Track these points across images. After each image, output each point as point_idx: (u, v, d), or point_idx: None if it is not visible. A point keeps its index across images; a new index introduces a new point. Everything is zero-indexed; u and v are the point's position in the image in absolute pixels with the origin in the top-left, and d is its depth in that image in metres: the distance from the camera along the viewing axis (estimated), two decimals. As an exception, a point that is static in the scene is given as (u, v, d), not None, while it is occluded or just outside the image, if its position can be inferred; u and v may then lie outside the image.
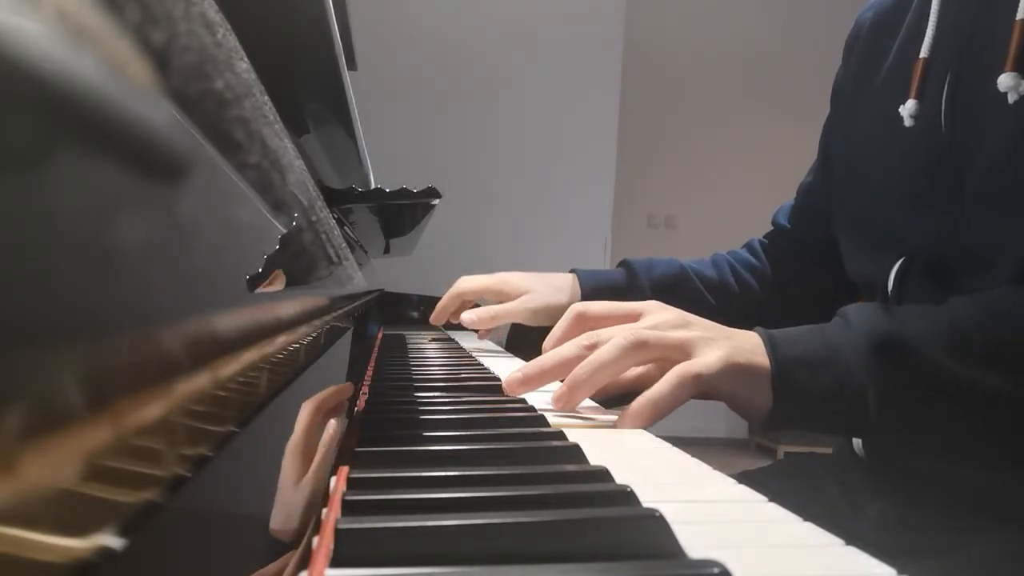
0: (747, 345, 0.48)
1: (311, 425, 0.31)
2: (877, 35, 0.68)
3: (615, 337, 0.46)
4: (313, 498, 0.26)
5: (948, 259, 0.57)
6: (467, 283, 0.90)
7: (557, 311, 0.85)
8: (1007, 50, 0.51)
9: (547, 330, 0.89)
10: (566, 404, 0.47)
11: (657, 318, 0.50)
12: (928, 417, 0.48)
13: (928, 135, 0.57)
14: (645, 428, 0.44)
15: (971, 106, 0.54)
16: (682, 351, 0.47)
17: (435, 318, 0.94)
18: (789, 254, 0.86)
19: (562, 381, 0.49)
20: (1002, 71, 0.50)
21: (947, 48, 0.57)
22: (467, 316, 0.87)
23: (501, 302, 0.86)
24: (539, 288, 0.85)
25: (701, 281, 0.84)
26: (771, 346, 0.48)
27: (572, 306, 0.54)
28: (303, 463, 0.27)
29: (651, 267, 0.85)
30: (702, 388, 0.45)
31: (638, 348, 0.46)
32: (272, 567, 0.19)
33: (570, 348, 0.48)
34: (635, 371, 0.51)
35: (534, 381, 0.49)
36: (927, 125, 0.58)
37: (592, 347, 0.47)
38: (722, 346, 0.47)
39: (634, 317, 0.51)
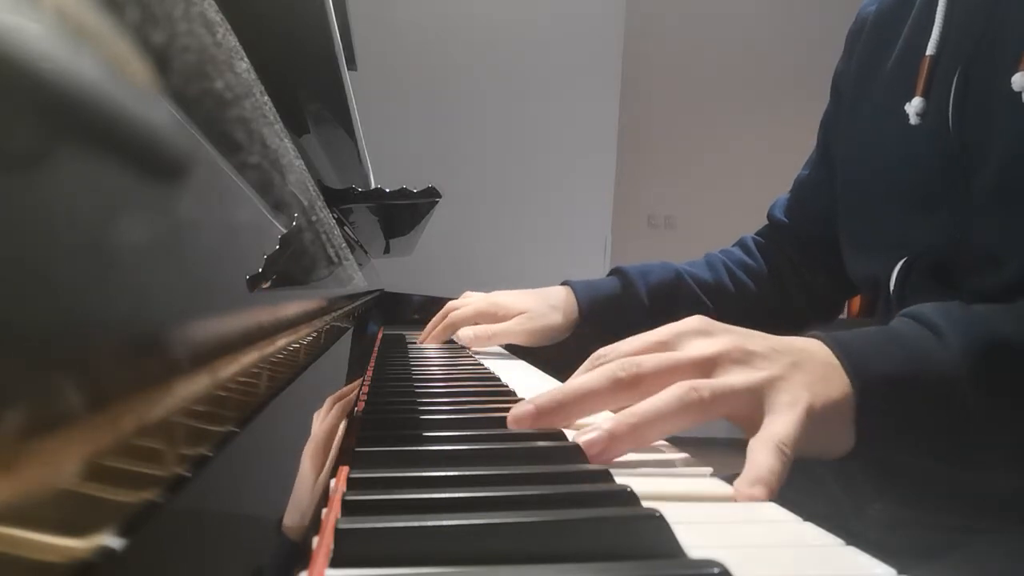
0: (819, 372, 0.40)
1: (332, 422, 0.30)
2: (881, 30, 0.68)
3: (673, 388, 0.37)
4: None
5: (953, 259, 0.57)
6: (458, 313, 0.86)
7: (554, 331, 0.82)
8: (1021, 49, 0.50)
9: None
10: (600, 456, 0.35)
11: (708, 349, 0.40)
12: None
13: (934, 133, 0.57)
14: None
15: (981, 105, 0.54)
16: (750, 403, 0.38)
17: (423, 341, 0.91)
18: (786, 249, 0.86)
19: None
20: (1016, 70, 0.50)
21: (955, 45, 0.57)
22: (464, 334, 0.84)
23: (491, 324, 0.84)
24: (534, 307, 0.83)
25: (697, 284, 0.83)
26: (850, 364, 0.40)
27: (593, 355, 0.43)
28: (322, 461, 0.27)
29: (646, 273, 0.84)
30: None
31: (701, 408, 0.36)
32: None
33: (598, 379, 0.39)
34: None
35: (549, 417, 0.39)
36: (933, 123, 0.57)
37: (632, 382, 0.38)
38: (796, 395, 0.38)
39: (671, 345, 0.41)
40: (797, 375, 0.39)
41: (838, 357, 0.41)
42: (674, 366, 0.39)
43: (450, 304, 0.90)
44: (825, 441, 0.39)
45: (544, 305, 0.83)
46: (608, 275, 0.87)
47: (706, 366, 0.39)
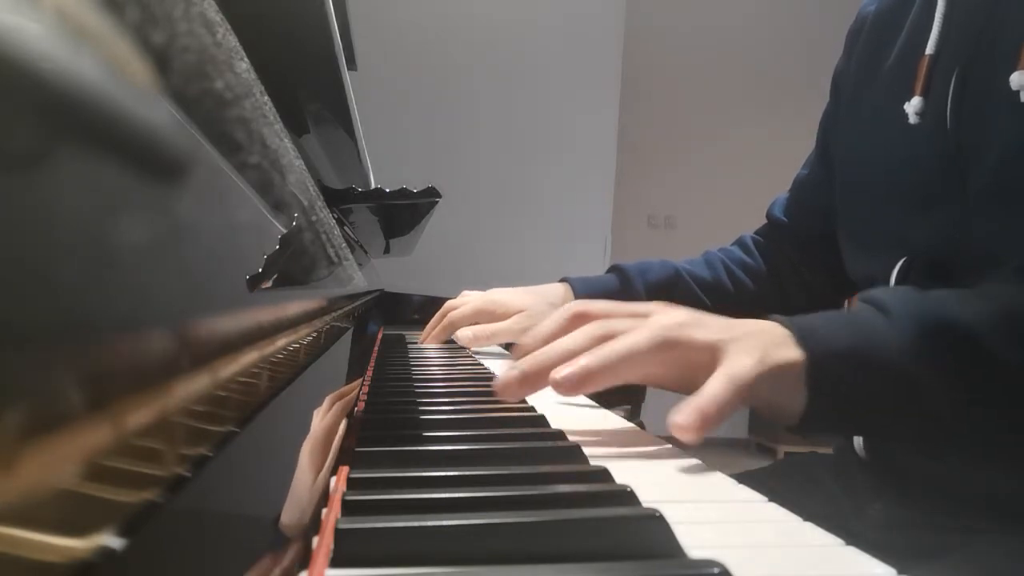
0: (774, 340, 0.43)
1: (332, 420, 0.30)
2: (881, 29, 0.68)
3: (643, 329, 0.40)
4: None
5: (952, 259, 0.57)
6: (456, 313, 0.86)
7: None
8: (1019, 48, 0.50)
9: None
10: (573, 389, 0.39)
11: (671, 317, 0.44)
12: (985, 415, 0.43)
13: (933, 133, 0.57)
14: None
15: (979, 104, 0.54)
16: (709, 354, 0.41)
17: (423, 341, 0.91)
18: (785, 249, 0.86)
19: None
20: (1014, 69, 0.50)
21: (954, 45, 0.57)
22: (463, 334, 0.84)
23: (489, 323, 0.84)
24: (533, 305, 0.83)
25: (696, 282, 0.84)
26: (801, 337, 0.43)
27: (569, 304, 0.47)
28: (321, 458, 0.27)
29: (645, 271, 0.84)
30: (748, 396, 0.40)
31: (665, 348, 0.40)
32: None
33: (579, 339, 0.41)
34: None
35: (535, 381, 0.41)
36: (932, 123, 0.57)
37: (607, 338, 0.41)
38: (750, 348, 0.41)
39: (640, 317, 0.45)
40: (750, 337, 0.43)
41: (790, 331, 0.44)
42: (643, 325, 0.42)
43: (448, 304, 0.90)
44: (780, 398, 0.42)
45: (542, 302, 0.83)
46: (607, 272, 0.87)
47: (671, 328, 0.43)
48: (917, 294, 0.45)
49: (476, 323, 0.85)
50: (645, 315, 0.45)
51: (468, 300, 0.88)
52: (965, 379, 0.43)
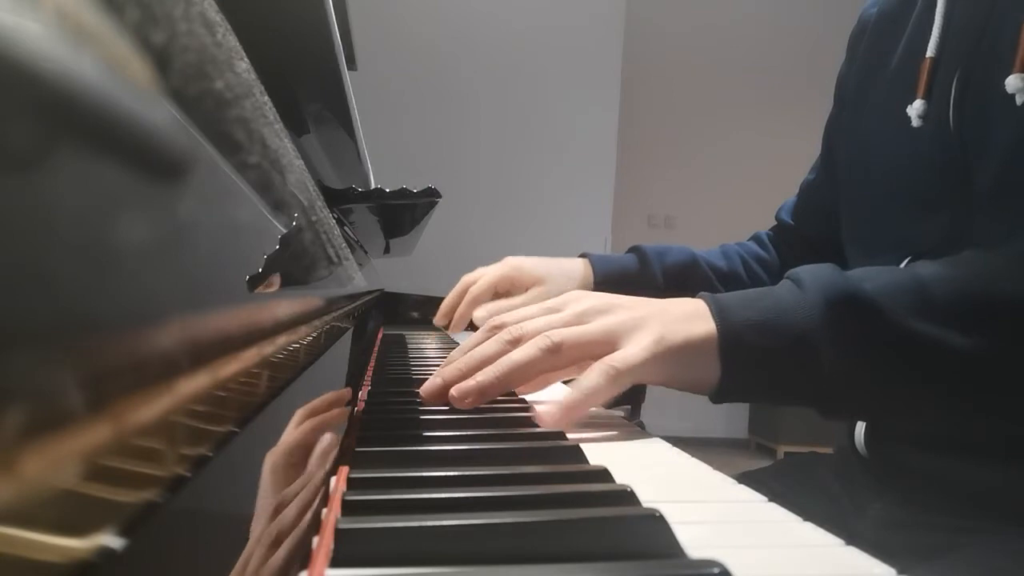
0: (682, 316, 0.45)
1: (300, 436, 0.29)
2: (882, 33, 0.68)
3: (536, 338, 0.44)
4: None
5: None
6: (477, 286, 0.83)
7: None
8: (1015, 51, 0.50)
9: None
10: (472, 403, 0.44)
11: (579, 306, 0.46)
12: (886, 378, 0.45)
13: (936, 135, 0.57)
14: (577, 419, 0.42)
15: (979, 107, 0.54)
16: (606, 343, 0.44)
17: (439, 319, 0.87)
18: (794, 250, 0.86)
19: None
20: (1010, 72, 0.50)
21: (955, 47, 0.57)
22: (480, 313, 0.81)
23: (510, 292, 0.82)
24: (552, 277, 0.82)
25: (712, 270, 0.83)
26: (718, 310, 0.45)
27: (488, 321, 0.49)
28: (286, 477, 0.26)
29: (663, 253, 0.83)
30: (630, 380, 0.43)
31: (554, 352, 0.43)
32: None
33: (492, 345, 0.45)
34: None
35: (455, 381, 0.45)
36: (935, 125, 0.57)
37: (515, 342, 0.45)
38: (650, 330, 0.44)
39: (554, 312, 0.48)
40: (657, 317, 0.45)
41: (708, 305, 0.46)
42: (549, 324, 0.45)
43: (466, 278, 0.86)
44: (692, 374, 0.45)
45: (560, 275, 0.82)
46: (627, 252, 0.87)
47: (579, 320, 0.45)
48: (831, 270, 0.47)
49: (496, 293, 0.83)
50: (558, 309, 0.47)
51: (486, 271, 0.85)
52: (864, 346, 0.44)
